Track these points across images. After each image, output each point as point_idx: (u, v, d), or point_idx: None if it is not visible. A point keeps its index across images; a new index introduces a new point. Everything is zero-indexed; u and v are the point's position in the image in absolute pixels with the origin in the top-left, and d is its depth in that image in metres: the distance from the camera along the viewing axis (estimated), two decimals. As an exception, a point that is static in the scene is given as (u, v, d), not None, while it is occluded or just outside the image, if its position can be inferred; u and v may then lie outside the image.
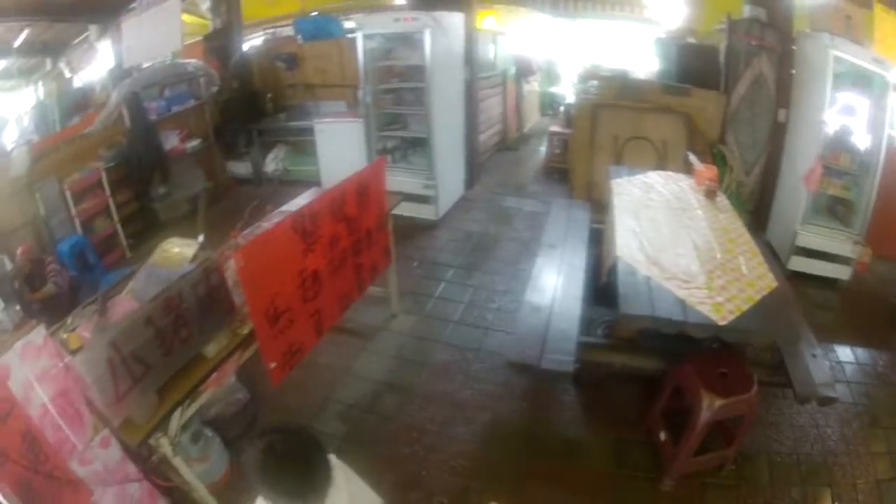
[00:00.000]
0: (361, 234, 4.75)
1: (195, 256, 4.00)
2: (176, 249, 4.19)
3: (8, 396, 2.75)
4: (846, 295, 6.39)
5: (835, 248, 6.38)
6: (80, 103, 8.20)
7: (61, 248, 6.80)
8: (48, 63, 8.56)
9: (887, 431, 4.52)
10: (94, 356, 2.87)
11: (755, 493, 4.03)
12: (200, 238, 4.21)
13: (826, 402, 4.06)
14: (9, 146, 6.95)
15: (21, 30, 8.59)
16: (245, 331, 3.80)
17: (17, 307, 5.62)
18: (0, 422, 2.72)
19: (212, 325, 3.60)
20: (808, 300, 6.09)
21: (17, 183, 6.85)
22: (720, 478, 4.12)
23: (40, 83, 8.05)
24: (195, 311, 3.43)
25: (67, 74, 8.26)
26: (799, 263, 6.56)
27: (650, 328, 4.29)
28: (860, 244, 6.27)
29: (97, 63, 9.00)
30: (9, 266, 6.35)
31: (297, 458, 2.09)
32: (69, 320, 3.60)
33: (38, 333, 2.91)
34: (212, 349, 3.62)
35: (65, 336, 3.42)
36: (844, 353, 5.40)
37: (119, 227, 8.22)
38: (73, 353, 3.10)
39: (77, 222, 7.54)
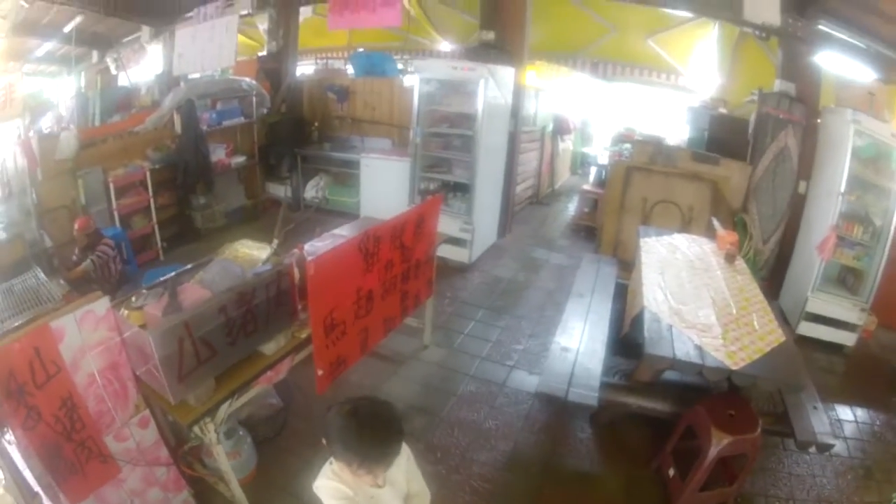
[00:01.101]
0: (412, 264, 5.07)
1: (268, 259, 4.29)
2: (246, 250, 4.50)
3: (56, 360, 2.87)
4: (850, 360, 6.61)
5: (842, 315, 6.61)
6: (122, 101, 8.37)
7: (99, 238, 6.94)
8: (94, 55, 8.71)
9: (880, 484, 4.71)
10: (167, 333, 3.07)
11: (751, 534, 4.20)
12: (275, 243, 4.46)
13: (824, 448, 4.34)
14: (48, 130, 7.16)
15: (73, 16, 8.73)
16: (303, 335, 4.08)
17: (62, 280, 5.82)
18: (42, 383, 2.83)
19: (275, 324, 3.89)
20: (814, 364, 6.32)
21: (62, 165, 7.11)
22: (720, 517, 4.29)
23: (83, 73, 8.25)
24: (263, 309, 3.72)
25: (113, 70, 8.48)
26: (808, 329, 6.78)
27: (667, 378, 4.69)
28: (866, 312, 6.53)
29: (145, 64, 9.21)
30: (48, 242, 6.60)
31: (377, 423, 2.31)
32: (133, 298, 3.77)
33: (102, 304, 3.04)
34: (271, 347, 3.90)
35: (126, 312, 3.56)
36: (845, 412, 5.63)
37: (156, 227, 8.51)
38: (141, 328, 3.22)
39: (116, 216, 7.84)
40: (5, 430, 2.84)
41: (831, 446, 4.36)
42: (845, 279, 7.06)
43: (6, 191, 6.60)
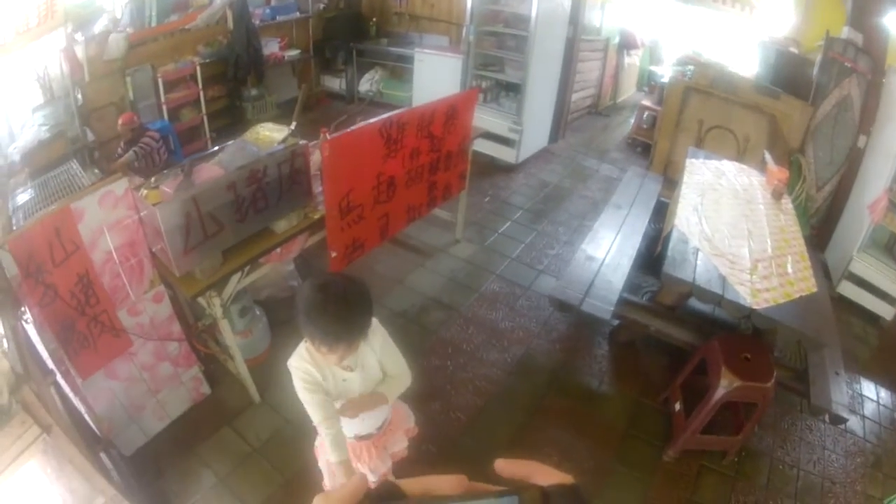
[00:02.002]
0: (442, 155, 4.98)
1: (285, 140, 4.20)
2: (267, 132, 4.41)
3: (74, 238, 2.94)
4: (886, 334, 6.20)
5: (885, 285, 6.24)
6: (179, 2, 8.43)
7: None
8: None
9: (886, 479, 4.45)
10: (175, 208, 3.09)
11: (748, 491, 4.08)
12: (293, 125, 4.39)
13: (837, 420, 4.11)
14: (101, 34, 7.20)
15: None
16: (316, 216, 4.02)
17: (96, 170, 5.95)
18: (60, 261, 2.89)
19: (287, 203, 3.83)
20: (847, 328, 6.02)
21: (111, 65, 7.16)
22: (720, 466, 4.18)
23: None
24: (275, 188, 3.67)
25: (170, -28, 8.44)
26: (848, 289, 6.48)
27: (692, 307, 4.55)
28: None
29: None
30: (90, 137, 6.67)
31: (344, 300, 2.22)
32: (152, 179, 3.73)
33: (121, 185, 3.09)
34: (282, 225, 3.86)
35: (145, 192, 3.54)
36: (868, 388, 5.33)
37: (205, 119, 8.59)
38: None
39: (165, 109, 7.90)
40: (23, 310, 2.89)
41: (845, 420, 4.13)
42: (893, 248, 6.64)
43: (48, 95, 6.65)
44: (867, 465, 4.52)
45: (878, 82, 6.69)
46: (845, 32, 6.83)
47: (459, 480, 0.59)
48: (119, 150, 6.27)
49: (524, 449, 4.10)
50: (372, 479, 2.79)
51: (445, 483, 0.59)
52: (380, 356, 2.58)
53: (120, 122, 6.19)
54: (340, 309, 2.22)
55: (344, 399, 2.55)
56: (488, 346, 4.99)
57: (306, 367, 2.44)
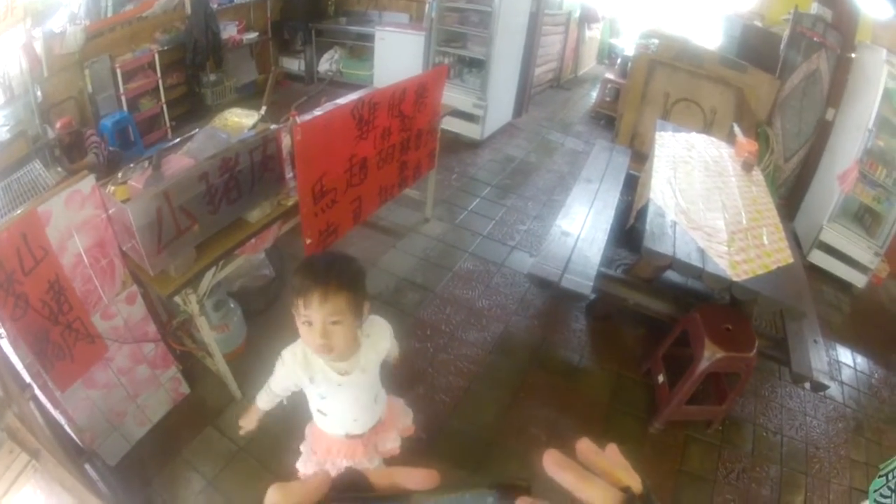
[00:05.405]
0: (412, 134, 4.91)
1: (255, 125, 4.11)
2: (235, 118, 4.30)
3: (43, 244, 2.76)
4: (857, 302, 6.38)
5: (855, 254, 6.38)
6: None
7: (105, 122, 6.99)
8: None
9: (868, 443, 4.55)
10: (145, 204, 2.92)
11: (734, 459, 4.13)
12: (263, 110, 4.29)
13: (819, 387, 4.16)
14: (58, 28, 7.05)
15: None
16: (289, 203, 3.91)
17: (59, 169, 5.80)
18: (30, 269, 2.73)
19: (260, 192, 3.71)
20: (820, 297, 6.14)
21: (68, 59, 6.99)
22: (705, 435, 4.23)
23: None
24: (247, 176, 3.53)
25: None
26: (819, 258, 6.60)
27: (669, 279, 4.58)
28: (880, 257, 6.29)
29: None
30: (51, 134, 6.50)
31: (325, 260, 2.19)
32: (119, 174, 3.60)
33: (87, 183, 2.90)
34: (255, 215, 3.74)
35: (112, 188, 3.43)
36: (845, 355, 5.45)
37: (165, 107, 8.42)
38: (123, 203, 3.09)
39: (123, 100, 7.71)
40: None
41: (826, 387, 4.21)
42: (863, 218, 6.80)
43: (8, 95, 6.48)
44: (849, 430, 4.62)
45: (847, 57, 6.80)
46: (814, 8, 6.93)
47: (430, 475, 0.57)
48: (56, 153, 6.13)
49: (512, 429, 4.09)
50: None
51: (415, 476, 0.58)
52: (377, 349, 2.52)
53: (58, 125, 6.07)
54: (320, 261, 2.18)
55: (335, 401, 2.50)
56: (467, 326, 4.96)
57: (294, 369, 2.38)
